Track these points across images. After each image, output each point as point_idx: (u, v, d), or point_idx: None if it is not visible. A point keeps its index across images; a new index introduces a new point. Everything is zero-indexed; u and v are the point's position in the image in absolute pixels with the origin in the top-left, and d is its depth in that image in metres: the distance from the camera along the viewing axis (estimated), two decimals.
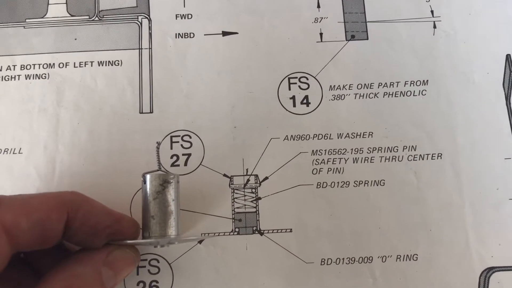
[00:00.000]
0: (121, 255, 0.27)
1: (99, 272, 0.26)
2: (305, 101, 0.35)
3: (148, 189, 0.29)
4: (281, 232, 0.33)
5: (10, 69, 0.35)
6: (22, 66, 0.35)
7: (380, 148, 0.34)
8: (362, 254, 0.33)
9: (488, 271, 0.32)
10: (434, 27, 0.36)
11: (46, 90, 0.35)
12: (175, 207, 0.29)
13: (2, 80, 0.35)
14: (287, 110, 0.35)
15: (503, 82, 0.35)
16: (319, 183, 0.34)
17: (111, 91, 0.35)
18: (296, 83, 0.35)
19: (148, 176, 0.29)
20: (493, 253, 0.32)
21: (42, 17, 0.36)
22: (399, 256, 0.32)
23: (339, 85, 0.35)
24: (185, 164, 0.34)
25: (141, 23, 0.36)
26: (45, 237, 0.24)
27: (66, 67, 0.35)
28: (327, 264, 0.32)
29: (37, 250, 0.26)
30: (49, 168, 0.33)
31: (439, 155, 0.34)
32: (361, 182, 0.34)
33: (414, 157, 0.34)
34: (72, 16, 0.37)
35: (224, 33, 0.36)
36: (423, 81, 0.35)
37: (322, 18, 0.37)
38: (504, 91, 0.35)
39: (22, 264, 0.28)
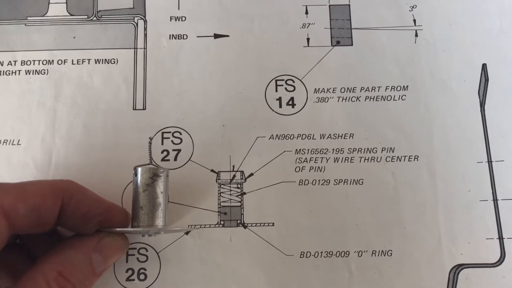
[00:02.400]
0: (111, 242, 0.29)
1: (90, 257, 0.27)
2: (290, 102, 0.37)
3: (138, 181, 0.30)
4: (263, 225, 0.34)
5: (11, 64, 0.37)
6: (23, 61, 0.37)
7: (360, 149, 0.36)
8: (339, 248, 0.34)
9: (458, 268, 0.34)
10: (416, 35, 0.38)
11: (45, 85, 0.37)
12: (163, 199, 0.31)
13: (3, 74, 0.37)
14: (273, 110, 0.37)
15: (478, 90, 0.37)
16: (301, 181, 0.35)
17: (106, 88, 0.37)
18: (282, 85, 0.37)
19: (139, 169, 0.31)
20: (463, 251, 0.34)
21: (43, 16, 0.38)
22: (374, 252, 0.34)
23: (323, 88, 0.37)
24: (175, 159, 0.35)
25: (137, 24, 0.38)
26: (41, 221, 0.26)
27: (64, 64, 0.37)
28: (306, 257, 0.34)
29: (32, 236, 0.28)
30: (46, 159, 0.35)
31: (416, 157, 0.36)
32: (341, 181, 0.35)
33: (392, 159, 0.36)
34: (71, 15, 0.38)
35: (216, 36, 0.38)
36: (403, 86, 0.37)
37: (309, 24, 0.38)
38: (479, 98, 0.37)
39: (19, 249, 0.30)
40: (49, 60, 0.37)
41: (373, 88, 0.37)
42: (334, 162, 0.36)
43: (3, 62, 0.37)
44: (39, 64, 0.37)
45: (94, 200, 0.29)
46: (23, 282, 0.25)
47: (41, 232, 0.27)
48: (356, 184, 0.35)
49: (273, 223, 0.35)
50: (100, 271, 0.28)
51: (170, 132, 0.36)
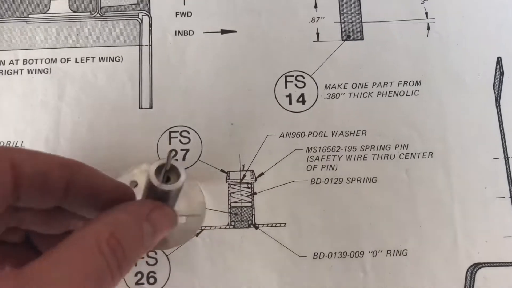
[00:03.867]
0: (162, 214, 0.27)
1: (141, 226, 0.25)
2: (301, 99, 0.36)
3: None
4: (275, 226, 0.34)
5: (13, 63, 0.36)
6: (25, 60, 0.36)
7: (373, 146, 0.35)
8: (353, 248, 0.34)
9: (475, 267, 0.33)
10: (428, 28, 0.37)
11: (48, 85, 0.36)
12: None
13: (5, 74, 0.36)
14: (283, 107, 0.36)
15: (493, 84, 0.36)
16: (313, 179, 0.35)
17: (111, 86, 0.36)
18: (292, 82, 0.36)
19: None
20: (480, 250, 0.33)
21: (45, 13, 0.37)
22: (389, 251, 0.34)
23: (334, 84, 0.36)
24: (183, 159, 0.35)
25: (141, 20, 0.37)
26: (45, 192, 0.24)
27: (67, 62, 0.36)
28: (319, 258, 0.33)
29: (41, 235, 0.27)
30: None
31: (430, 154, 0.35)
32: (354, 179, 0.35)
33: (406, 156, 0.35)
34: (74, 12, 0.37)
35: (223, 31, 0.37)
36: (416, 81, 0.36)
37: (319, 18, 0.37)
38: (494, 93, 0.36)
39: (26, 247, 0.29)
40: (51, 59, 0.36)
41: (385, 83, 0.36)
42: (347, 160, 0.35)
43: (4, 61, 0.36)
44: (41, 62, 0.36)
45: (102, 176, 0.27)
46: (72, 241, 0.23)
47: (43, 208, 0.25)
48: (369, 182, 0.35)
49: (285, 224, 0.34)
50: (147, 245, 0.26)
51: (177, 131, 0.35)
